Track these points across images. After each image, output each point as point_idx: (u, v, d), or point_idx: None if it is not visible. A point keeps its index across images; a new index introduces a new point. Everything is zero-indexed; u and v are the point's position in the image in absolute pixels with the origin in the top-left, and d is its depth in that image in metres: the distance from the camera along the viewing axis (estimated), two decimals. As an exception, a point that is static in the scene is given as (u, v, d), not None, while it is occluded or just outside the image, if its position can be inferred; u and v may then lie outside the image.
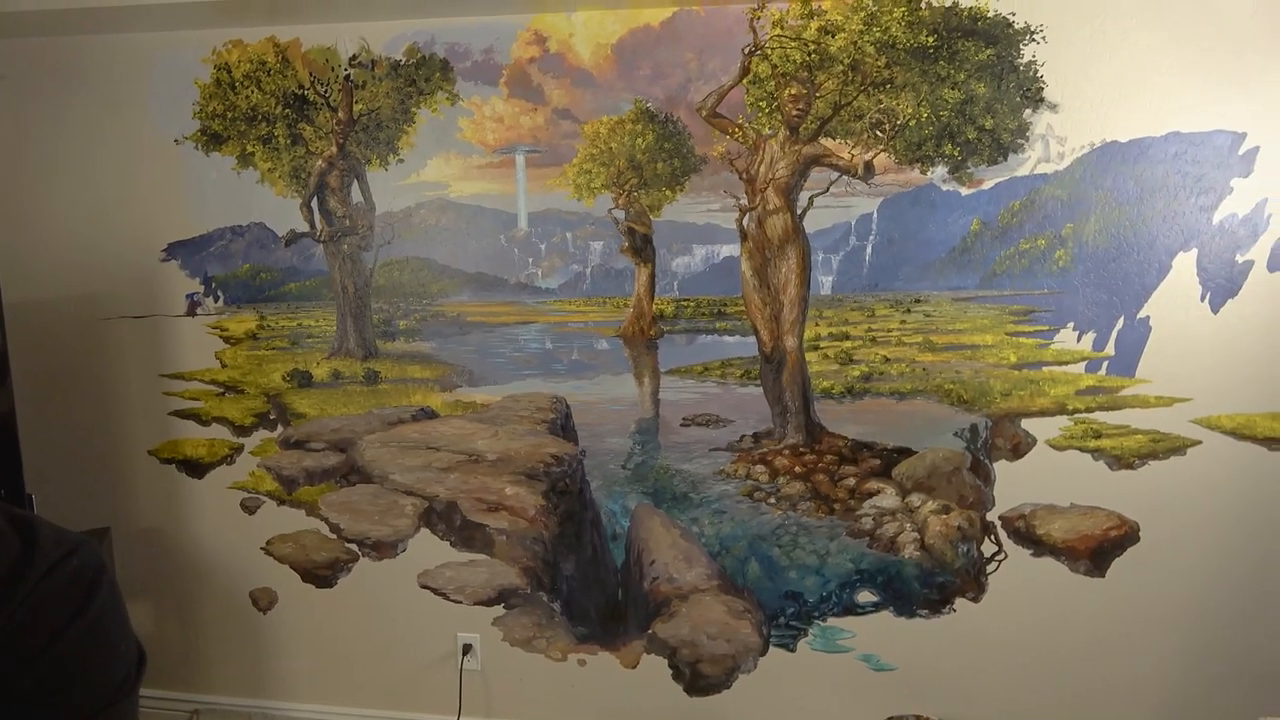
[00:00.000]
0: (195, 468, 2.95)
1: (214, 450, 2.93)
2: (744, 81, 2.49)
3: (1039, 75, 2.36)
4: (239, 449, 2.92)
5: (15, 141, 2.78)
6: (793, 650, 2.73)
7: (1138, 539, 2.53)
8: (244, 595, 3.00)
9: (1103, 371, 2.48)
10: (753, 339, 2.63)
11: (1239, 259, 2.36)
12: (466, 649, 2.88)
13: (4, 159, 2.79)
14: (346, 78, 2.65)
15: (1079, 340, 2.49)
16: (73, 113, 2.76)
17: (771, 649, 2.73)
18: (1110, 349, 2.47)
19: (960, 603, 2.64)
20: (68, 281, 2.84)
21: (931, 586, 2.63)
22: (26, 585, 0.65)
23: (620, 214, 2.63)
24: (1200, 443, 2.46)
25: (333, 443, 2.86)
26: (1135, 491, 2.51)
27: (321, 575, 2.94)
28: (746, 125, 2.51)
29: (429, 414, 2.81)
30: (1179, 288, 2.40)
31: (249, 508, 2.94)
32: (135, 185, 2.79)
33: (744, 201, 2.55)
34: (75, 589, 0.69)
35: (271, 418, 2.89)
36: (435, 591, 2.86)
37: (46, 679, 0.65)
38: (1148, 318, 2.43)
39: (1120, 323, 2.45)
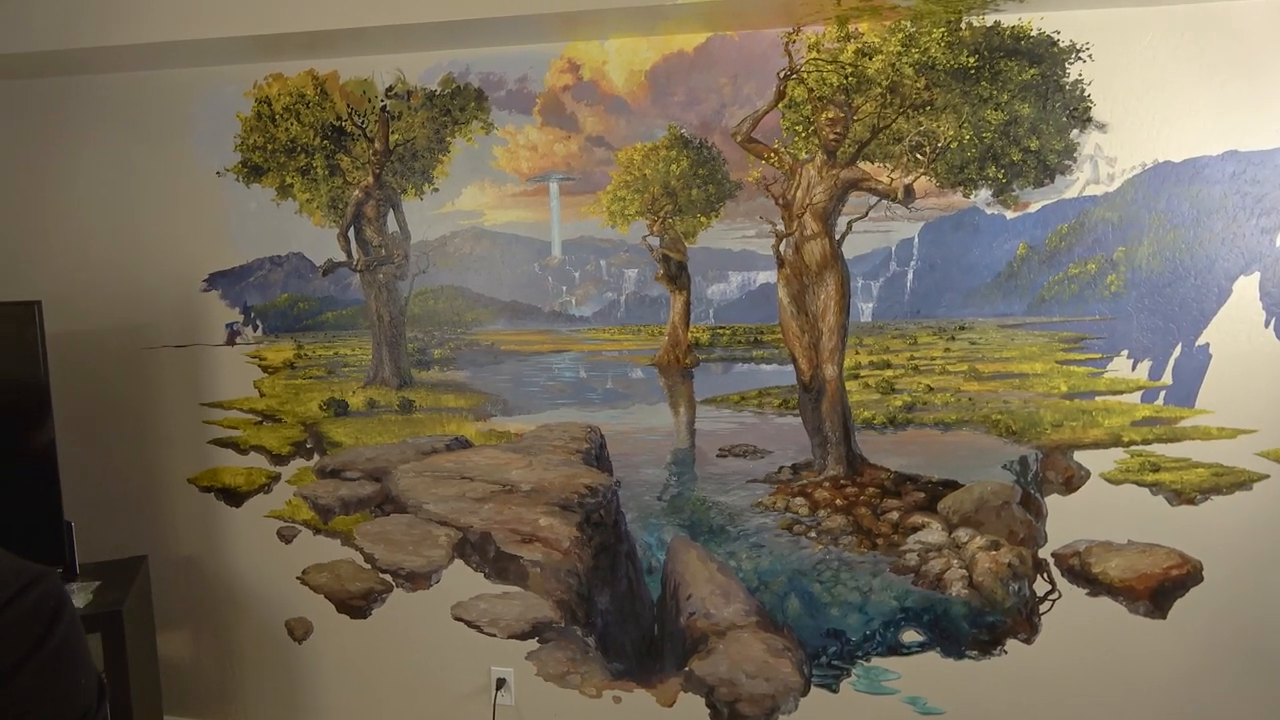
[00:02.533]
0: (233, 496, 2.96)
1: (252, 479, 2.94)
2: (779, 106, 2.45)
3: (1086, 94, 2.29)
4: (276, 477, 2.92)
5: (62, 177, 2.85)
6: (835, 691, 2.63)
7: (1201, 578, 2.40)
8: (280, 625, 3.00)
9: (1160, 401, 2.37)
10: (790, 367, 2.56)
11: (1305, 283, 2.25)
12: (500, 683, 2.83)
13: (51, 195, 2.86)
14: (383, 108, 2.67)
15: (1134, 369, 2.38)
16: (117, 148, 2.82)
17: (813, 689, 2.64)
18: (1167, 378, 2.36)
19: (1012, 644, 2.52)
20: (110, 313, 2.88)
21: (981, 626, 2.52)
22: None
23: (655, 241, 2.59)
24: (1268, 477, 2.33)
25: (368, 472, 2.85)
26: (1197, 528, 2.38)
27: (356, 605, 2.92)
28: (783, 150, 2.47)
29: (463, 443, 2.79)
30: (1240, 313, 2.29)
31: (285, 536, 2.94)
32: (177, 217, 2.83)
33: (781, 227, 2.50)
34: (35, 621, 0.68)
35: (308, 446, 2.89)
36: (469, 624, 2.82)
37: (6, 711, 0.64)
38: (1207, 345, 2.32)
39: (1178, 350, 2.34)
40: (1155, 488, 2.39)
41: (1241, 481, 2.34)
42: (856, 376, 2.53)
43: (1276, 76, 2.19)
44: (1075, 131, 2.31)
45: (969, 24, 2.31)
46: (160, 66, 2.74)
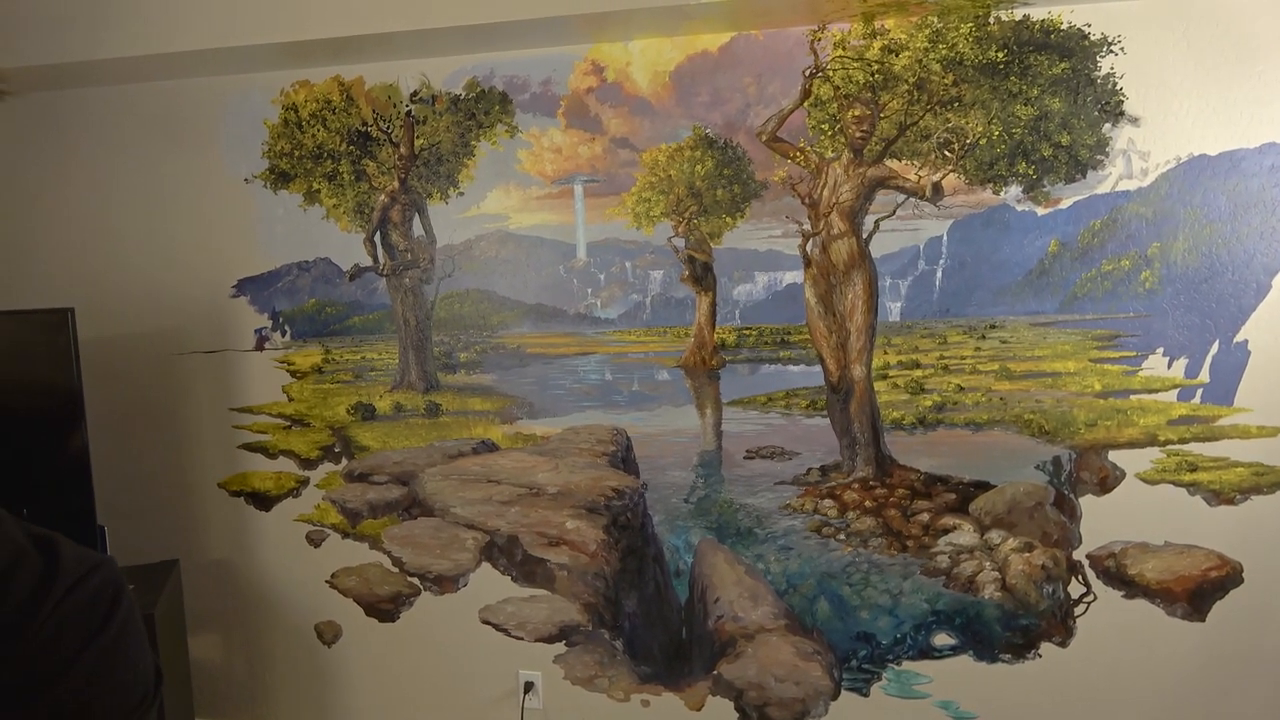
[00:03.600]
0: (263, 500, 2.98)
1: (281, 483, 2.96)
2: (805, 104, 2.43)
3: (1118, 88, 2.25)
4: (305, 482, 2.94)
5: (93, 186, 2.88)
6: (866, 695, 2.60)
7: (1241, 580, 2.34)
8: (309, 628, 3.01)
9: (1197, 400, 2.32)
10: (818, 368, 2.54)
11: (1347, 277, 2.19)
12: (528, 687, 2.82)
13: (82, 203, 2.90)
14: (408, 113, 2.68)
15: (1169, 367, 2.33)
16: (147, 156, 2.85)
17: (843, 693, 2.61)
18: (1205, 375, 2.31)
19: (1046, 647, 2.48)
20: (142, 319, 2.91)
21: (1014, 629, 2.48)
22: (50, 603, 0.65)
23: (680, 242, 2.58)
24: (1309, 476, 2.27)
25: (395, 475, 2.86)
26: (1237, 529, 2.33)
27: (384, 609, 2.93)
28: (808, 149, 2.45)
29: (490, 447, 2.79)
30: (1280, 309, 2.24)
31: (314, 540, 2.95)
32: (207, 224, 2.86)
33: (807, 227, 2.48)
34: (96, 607, 0.68)
35: (336, 450, 2.91)
36: (496, 627, 2.82)
37: (67, 697, 0.64)
38: (1245, 341, 2.27)
39: (1215, 347, 2.29)
40: (1193, 488, 2.34)
41: (1283, 481, 2.29)
42: (885, 377, 2.50)
43: (1315, 66, 2.15)
44: (1107, 126, 2.27)
45: (997, 18, 2.28)
46: (189, 75, 2.76)
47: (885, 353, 2.49)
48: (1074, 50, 2.25)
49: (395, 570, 2.89)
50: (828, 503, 2.56)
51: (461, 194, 2.70)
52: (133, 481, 2.98)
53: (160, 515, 3.01)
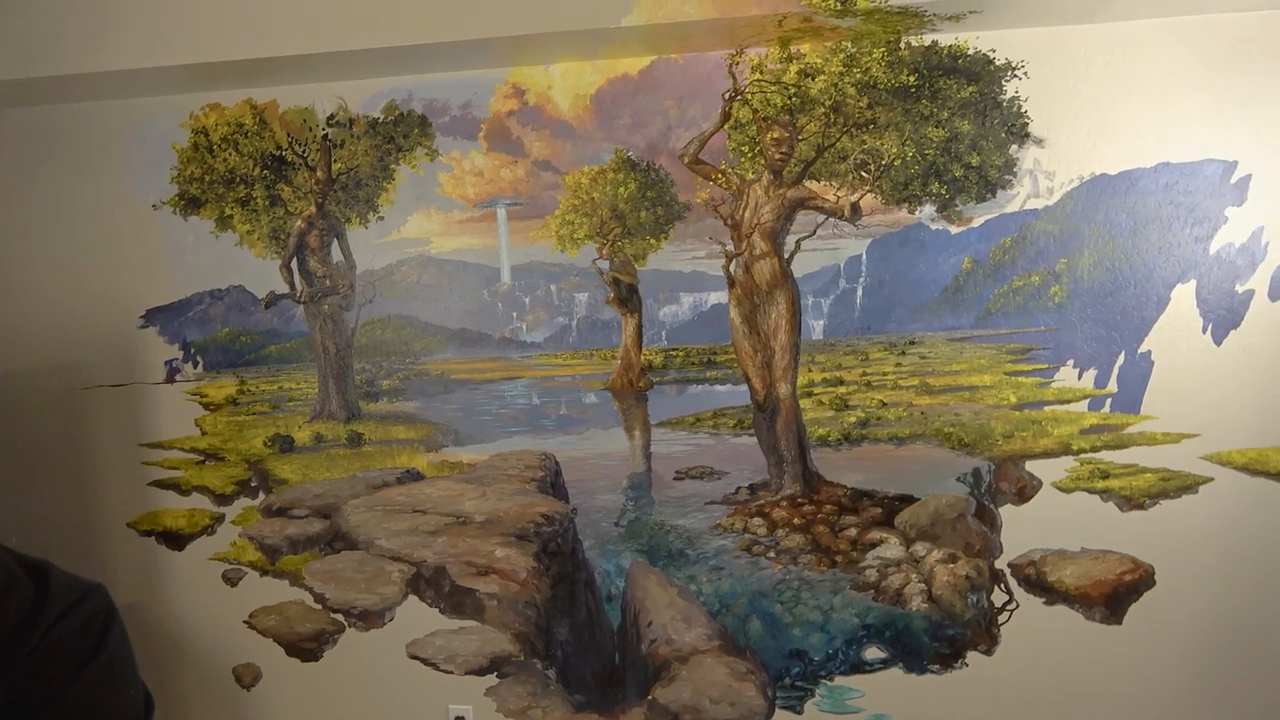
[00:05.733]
0: (175, 539, 2.85)
1: (194, 520, 2.84)
2: (725, 127, 2.46)
3: (1023, 111, 2.34)
4: (220, 518, 2.82)
5: (-9, 212, 2.75)
6: (799, 712, 2.60)
7: (1153, 582, 2.43)
8: (227, 671, 2.88)
9: (1106, 409, 2.41)
10: (744, 387, 2.56)
11: (1239, 289, 2.31)
12: (459, 721, 2.75)
13: (-21, 230, 2.76)
14: (324, 137, 2.63)
15: (1080, 378, 2.42)
16: (48, 181, 2.73)
17: (778, 711, 2.60)
18: (1113, 386, 2.40)
19: (972, 656, 2.52)
20: (44, 351, 2.77)
21: (941, 640, 2.52)
22: (40, 630, 0.65)
23: (605, 264, 2.58)
24: (1212, 480, 2.38)
25: (316, 509, 2.77)
26: (1148, 533, 2.42)
27: (307, 648, 2.82)
28: (730, 171, 2.48)
29: (415, 476, 2.73)
30: (1179, 320, 2.35)
31: (231, 579, 2.83)
32: (112, 252, 2.74)
33: (730, 247, 2.51)
34: (88, 634, 0.69)
35: (253, 485, 2.80)
36: (425, 661, 2.74)
37: None
38: (1149, 352, 2.37)
39: (1121, 358, 2.39)
40: (1105, 494, 2.42)
41: (1188, 485, 2.38)
42: (810, 394, 2.53)
43: (1203, 89, 2.27)
44: (1014, 147, 2.36)
45: (908, 44, 2.36)
46: (95, 98, 2.66)
47: (809, 370, 2.53)
48: (980, 75, 2.34)
49: (318, 607, 2.79)
50: (757, 521, 2.57)
51: (381, 218, 2.66)
52: (35, 522, 2.82)
53: (65, 557, 2.82)
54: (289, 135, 2.64)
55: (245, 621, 2.84)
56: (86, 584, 0.72)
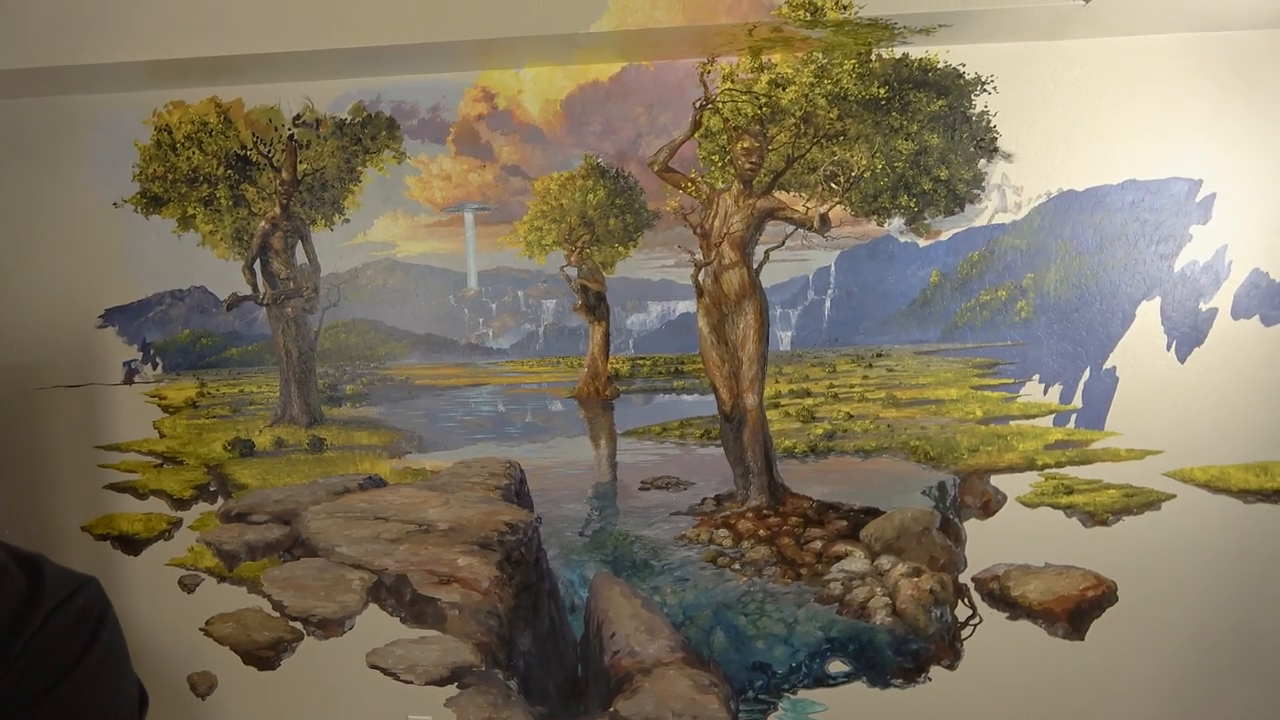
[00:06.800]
0: (131, 544, 2.79)
1: (151, 525, 2.78)
2: (695, 135, 2.45)
3: (992, 125, 2.34)
4: (177, 523, 2.77)
5: (-54, 207, 2.69)
6: (763, 726, 2.59)
7: (1116, 599, 2.43)
8: (181, 680, 2.82)
9: (1071, 425, 2.41)
10: (712, 398, 2.54)
11: (1203, 307, 2.33)
12: (418, 733, 2.71)
13: (-67, 225, 2.69)
14: (290, 137, 2.59)
15: (1045, 393, 2.42)
16: (5, 176, 2.67)
17: (740, 725, 2.59)
18: (1078, 401, 2.41)
19: (936, 670, 2.51)
20: (-3, 350, 2.72)
21: (905, 654, 2.51)
22: (34, 623, 0.64)
23: (573, 271, 2.56)
24: (1175, 496, 2.38)
25: (276, 515, 2.72)
26: (1111, 549, 2.42)
27: (264, 657, 2.77)
28: (699, 179, 2.47)
29: (377, 482, 2.69)
30: (1144, 337, 2.36)
31: (187, 586, 2.78)
32: (71, 250, 2.69)
33: (699, 256, 2.49)
34: (82, 627, 0.69)
35: (212, 489, 2.75)
36: (385, 671, 2.69)
37: (55, 718, 0.64)
38: (1114, 368, 2.38)
39: (1086, 374, 2.39)
40: (1069, 510, 2.42)
41: (1151, 501, 2.39)
42: (777, 405, 2.52)
43: (1166, 108, 2.28)
44: (983, 161, 2.36)
45: (879, 55, 2.36)
46: (56, 93, 2.61)
47: (777, 381, 2.52)
48: (950, 88, 2.34)
49: (276, 615, 2.74)
50: (723, 532, 2.56)
51: (347, 221, 2.62)
52: (-17, 526, 2.76)
53: (14, 563, 2.79)
54: (254, 135, 2.60)
55: (202, 629, 2.79)
56: (80, 578, 0.72)
